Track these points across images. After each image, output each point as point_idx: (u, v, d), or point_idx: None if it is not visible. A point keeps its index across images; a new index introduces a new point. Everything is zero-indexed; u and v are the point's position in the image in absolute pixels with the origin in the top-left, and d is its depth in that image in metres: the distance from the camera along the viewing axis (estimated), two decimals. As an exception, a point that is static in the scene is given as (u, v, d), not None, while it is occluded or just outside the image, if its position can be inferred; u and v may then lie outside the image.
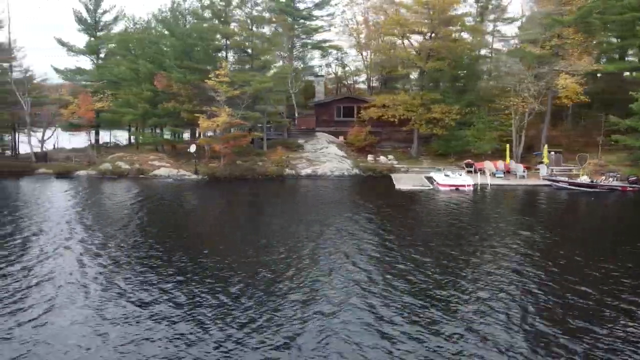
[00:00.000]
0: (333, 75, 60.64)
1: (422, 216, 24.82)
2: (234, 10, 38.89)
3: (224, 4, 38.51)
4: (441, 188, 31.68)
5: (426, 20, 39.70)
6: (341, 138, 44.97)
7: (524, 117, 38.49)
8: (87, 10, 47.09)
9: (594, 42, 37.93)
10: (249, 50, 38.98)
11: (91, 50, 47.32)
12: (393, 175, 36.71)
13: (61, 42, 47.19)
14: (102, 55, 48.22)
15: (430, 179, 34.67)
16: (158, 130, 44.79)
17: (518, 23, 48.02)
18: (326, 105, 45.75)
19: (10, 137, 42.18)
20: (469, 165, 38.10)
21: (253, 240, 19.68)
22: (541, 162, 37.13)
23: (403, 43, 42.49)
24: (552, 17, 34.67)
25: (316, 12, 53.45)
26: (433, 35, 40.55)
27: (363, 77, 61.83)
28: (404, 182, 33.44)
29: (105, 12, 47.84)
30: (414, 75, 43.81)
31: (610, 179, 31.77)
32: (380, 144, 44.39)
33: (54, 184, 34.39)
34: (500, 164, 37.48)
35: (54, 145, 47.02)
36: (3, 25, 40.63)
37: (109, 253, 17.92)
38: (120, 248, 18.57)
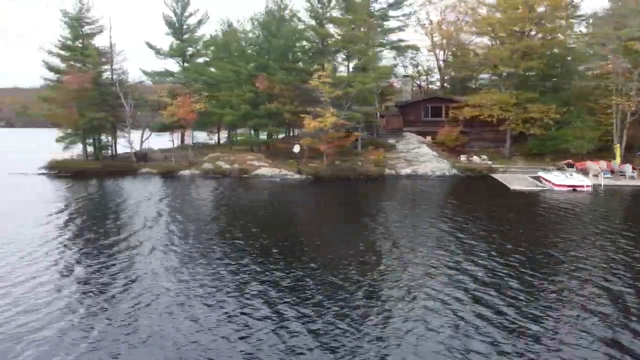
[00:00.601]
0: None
1: (570, 218, 23.93)
2: (331, 12, 39.22)
3: (320, 6, 38.91)
4: (557, 188, 31.25)
5: (527, 18, 39.31)
6: (428, 138, 44.87)
7: (626, 117, 37.83)
8: (175, 14, 48.27)
9: None
10: (346, 51, 39.27)
11: (179, 52, 48.41)
12: (496, 176, 36.45)
13: (150, 45, 48.57)
14: (188, 58, 49.31)
15: (537, 179, 34.33)
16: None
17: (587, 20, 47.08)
18: (413, 106, 45.76)
19: (109, 138, 43.39)
20: (569, 165, 37.55)
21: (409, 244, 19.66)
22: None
23: (497, 42, 42.18)
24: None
25: (391, 13, 53.52)
26: (529, 33, 40.18)
27: (434, 77, 61.85)
28: (517, 183, 33.06)
29: (190, 15, 48.95)
30: (505, 74, 43.18)
31: None
32: (470, 143, 44.16)
33: (165, 183, 35.12)
34: (602, 163, 36.78)
35: (141, 146, 48.15)
36: (104, 30, 41.94)
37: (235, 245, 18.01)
38: (238, 241, 18.60)
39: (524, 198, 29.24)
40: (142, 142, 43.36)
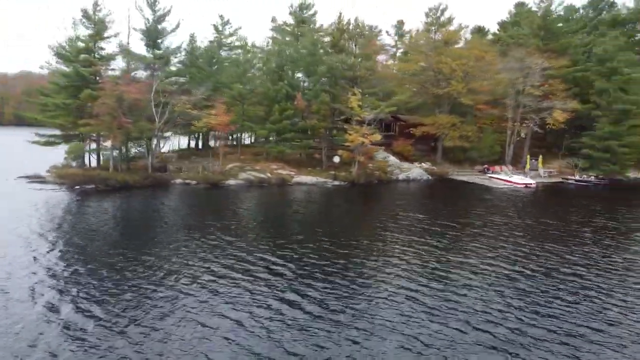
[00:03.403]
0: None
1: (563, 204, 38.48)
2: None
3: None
4: (519, 186, 46.24)
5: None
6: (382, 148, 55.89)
7: (516, 135, 56.26)
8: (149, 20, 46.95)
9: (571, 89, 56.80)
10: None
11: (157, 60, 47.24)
12: (458, 178, 50.06)
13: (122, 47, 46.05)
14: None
15: (490, 180, 49.17)
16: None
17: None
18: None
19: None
20: (487, 169, 53.92)
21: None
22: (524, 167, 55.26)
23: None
24: (548, 71, 52.91)
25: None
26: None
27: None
28: (493, 182, 47.20)
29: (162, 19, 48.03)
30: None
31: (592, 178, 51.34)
32: (409, 153, 56.78)
33: (238, 195, 37.01)
34: (504, 167, 54.37)
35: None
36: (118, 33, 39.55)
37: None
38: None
39: (511, 193, 43.02)
40: (155, 151, 42.25)
